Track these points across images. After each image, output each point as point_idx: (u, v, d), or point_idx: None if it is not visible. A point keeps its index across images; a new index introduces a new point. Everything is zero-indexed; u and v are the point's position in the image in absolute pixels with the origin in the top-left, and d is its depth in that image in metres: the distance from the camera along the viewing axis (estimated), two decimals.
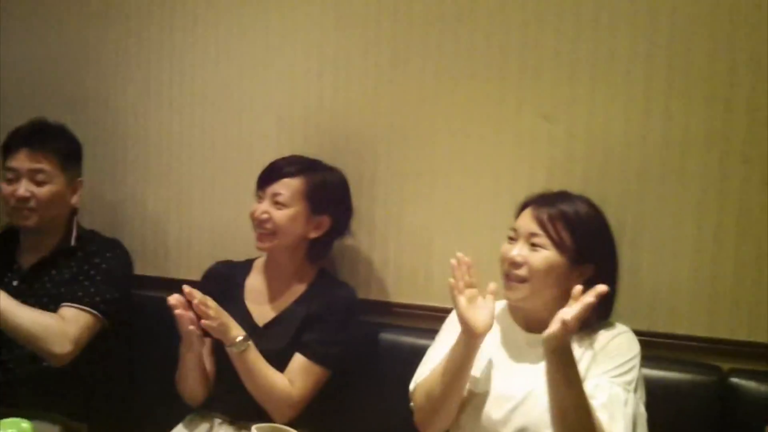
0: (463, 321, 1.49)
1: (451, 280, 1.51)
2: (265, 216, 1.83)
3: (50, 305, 1.88)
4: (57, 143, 1.99)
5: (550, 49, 1.86)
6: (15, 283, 1.94)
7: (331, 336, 1.82)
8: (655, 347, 1.71)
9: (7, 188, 1.94)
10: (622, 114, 1.81)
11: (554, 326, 1.37)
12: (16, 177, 1.93)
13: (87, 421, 1.90)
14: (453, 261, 1.52)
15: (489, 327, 1.49)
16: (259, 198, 1.88)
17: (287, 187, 1.84)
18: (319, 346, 1.80)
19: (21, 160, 1.93)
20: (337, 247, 2.02)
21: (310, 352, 1.79)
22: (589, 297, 1.37)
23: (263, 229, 1.84)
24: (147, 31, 2.32)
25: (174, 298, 1.67)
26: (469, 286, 1.52)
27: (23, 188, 1.92)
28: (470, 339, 1.49)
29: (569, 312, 1.36)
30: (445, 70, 1.97)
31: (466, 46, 1.94)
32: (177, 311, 1.67)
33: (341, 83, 2.08)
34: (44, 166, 1.94)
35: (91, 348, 1.90)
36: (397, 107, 2.02)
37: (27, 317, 1.81)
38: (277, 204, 1.84)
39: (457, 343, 1.51)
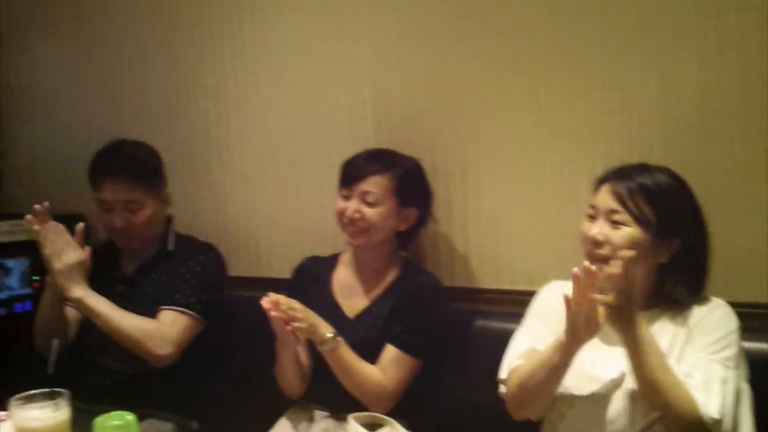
0: (573, 329, 1.42)
1: (568, 294, 1.40)
2: (357, 215, 1.86)
3: (151, 308, 1.98)
4: (140, 171, 2.02)
5: (614, 15, 1.80)
6: (120, 288, 2.04)
7: (420, 325, 1.83)
8: (757, 319, 1.62)
9: (104, 217, 2.03)
10: (696, 76, 1.72)
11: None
12: (109, 208, 2.01)
13: (193, 418, 2.01)
14: (576, 270, 1.38)
15: (594, 335, 1.44)
16: (345, 196, 1.89)
17: (376, 185, 1.86)
18: (409, 337, 1.82)
19: (109, 193, 1.99)
20: (419, 236, 2.03)
21: (400, 343, 1.82)
22: (613, 268, 1.35)
23: (355, 227, 1.87)
24: (219, 40, 2.41)
25: (267, 302, 1.71)
26: (590, 301, 1.39)
27: (118, 219, 2.00)
28: (574, 344, 1.44)
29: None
30: (510, 52, 1.94)
31: (527, 25, 1.91)
32: (272, 314, 1.71)
33: (409, 74, 2.09)
34: (133, 196, 1.99)
35: (192, 348, 1.99)
36: (465, 94, 2.01)
37: (128, 323, 1.91)
38: (368, 202, 1.86)
39: (559, 345, 1.46)
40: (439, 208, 2.02)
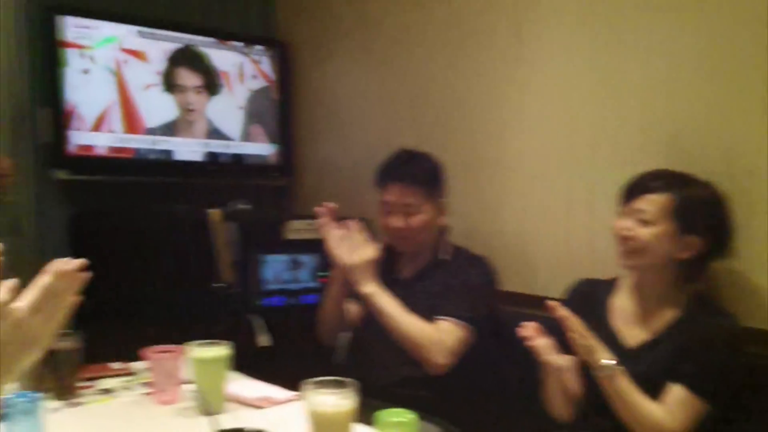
0: None
1: None
2: (628, 233, 1.77)
3: (423, 313, 2.03)
4: (422, 177, 2.13)
5: None
6: (397, 291, 2.10)
7: (714, 369, 1.68)
8: None
9: (385, 219, 2.16)
10: None
11: None
12: (391, 210, 2.13)
13: (462, 428, 2.03)
14: None
15: None
16: (623, 213, 1.81)
17: (652, 203, 1.75)
18: (701, 380, 1.67)
19: (393, 195, 2.12)
20: (714, 269, 1.84)
21: (690, 384, 1.67)
22: None
23: (626, 246, 1.78)
24: (499, 55, 2.44)
25: (527, 330, 1.69)
26: None
27: (397, 221, 2.12)
28: None
29: None
30: None
31: None
32: (530, 343, 1.69)
33: (706, 90, 1.92)
34: (413, 200, 2.10)
35: (463, 359, 2.00)
36: None
37: (414, 326, 1.99)
38: (642, 221, 1.75)
39: None
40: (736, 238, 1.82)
